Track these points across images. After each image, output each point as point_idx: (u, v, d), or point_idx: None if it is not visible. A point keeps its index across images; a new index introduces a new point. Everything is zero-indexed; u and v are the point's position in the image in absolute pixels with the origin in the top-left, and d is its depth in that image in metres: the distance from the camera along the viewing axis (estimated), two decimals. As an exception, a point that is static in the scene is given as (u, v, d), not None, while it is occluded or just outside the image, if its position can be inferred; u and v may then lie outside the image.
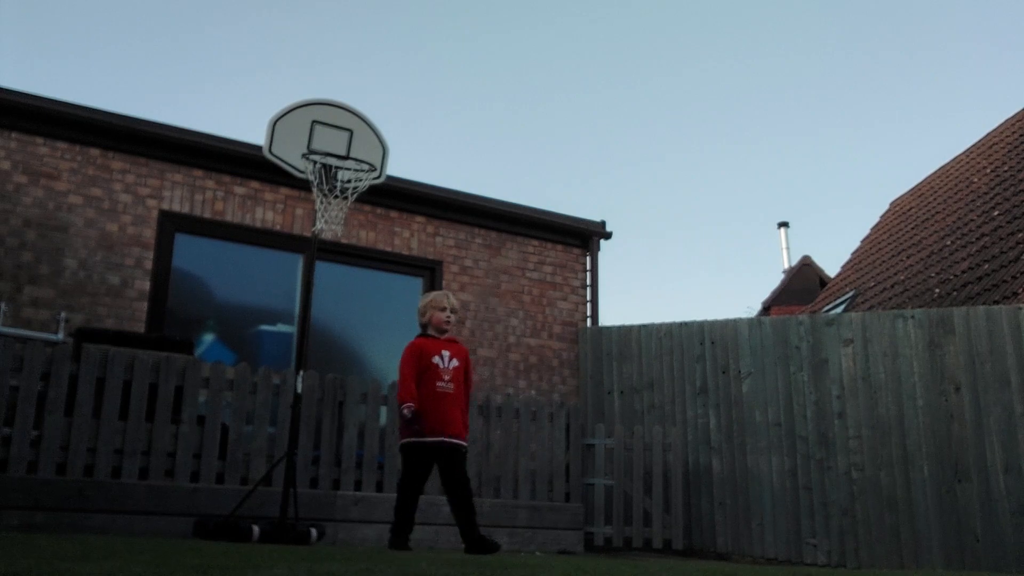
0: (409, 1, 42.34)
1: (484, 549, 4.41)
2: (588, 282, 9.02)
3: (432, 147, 45.55)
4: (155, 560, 2.30)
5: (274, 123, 5.76)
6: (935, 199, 13.06)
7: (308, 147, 5.75)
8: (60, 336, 6.18)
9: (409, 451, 4.65)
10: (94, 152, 6.95)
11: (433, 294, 5.05)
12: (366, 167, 5.89)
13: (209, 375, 5.67)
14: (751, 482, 7.31)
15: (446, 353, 4.77)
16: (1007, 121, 13.04)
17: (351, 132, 5.90)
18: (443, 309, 4.85)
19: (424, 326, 4.90)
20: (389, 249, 8.05)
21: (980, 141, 13.36)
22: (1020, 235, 8.91)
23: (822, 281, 16.51)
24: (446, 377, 4.70)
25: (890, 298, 10.89)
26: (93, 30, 39.71)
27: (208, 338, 7.27)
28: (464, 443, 4.73)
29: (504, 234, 8.67)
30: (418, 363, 4.68)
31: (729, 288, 39.79)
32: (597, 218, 9.12)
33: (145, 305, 6.83)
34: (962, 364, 6.72)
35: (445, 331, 4.87)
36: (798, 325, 7.45)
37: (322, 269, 6.89)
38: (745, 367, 7.59)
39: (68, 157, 6.84)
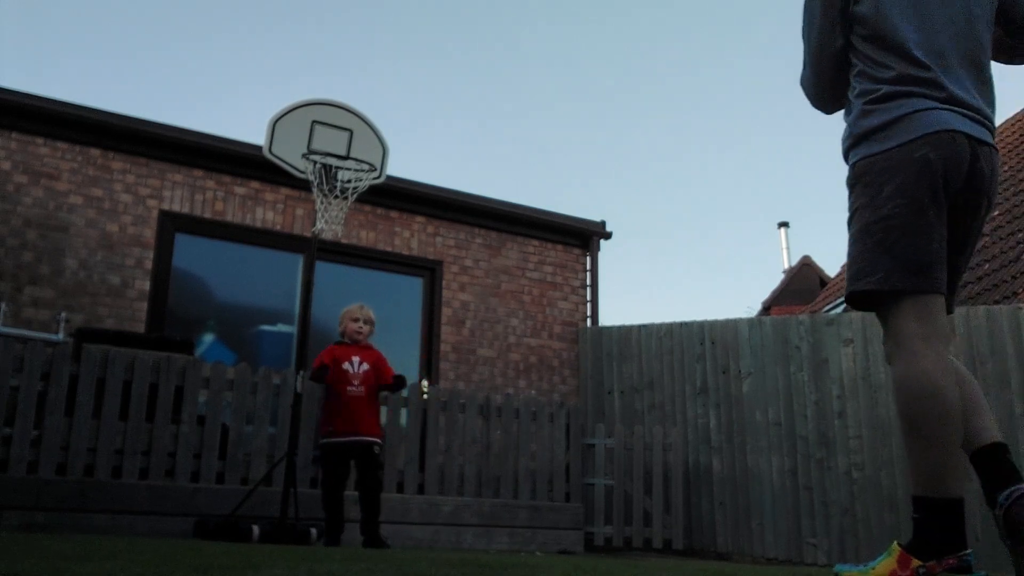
0: (409, 2, 42.34)
1: (377, 547, 4.88)
2: (588, 282, 9.02)
3: (432, 147, 45.55)
4: (156, 560, 2.30)
5: (274, 123, 5.77)
6: (935, 199, 13.03)
7: (308, 147, 5.75)
8: (60, 336, 6.18)
9: (326, 451, 5.14)
10: (94, 152, 6.95)
11: (350, 306, 5.49)
12: (366, 167, 5.89)
13: (209, 375, 5.67)
14: (751, 482, 7.31)
15: (356, 359, 5.27)
16: (1007, 121, 13.04)
17: (351, 132, 5.91)
18: (356, 320, 5.36)
19: (341, 334, 5.41)
20: (389, 249, 8.06)
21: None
22: (1020, 235, 8.91)
23: (822, 281, 16.51)
24: (355, 382, 5.19)
25: (890, 298, 10.87)
26: (94, 30, 39.72)
27: (208, 338, 7.27)
28: (377, 440, 5.25)
29: (504, 234, 8.67)
30: (319, 367, 5.18)
31: (729, 288, 39.82)
32: (597, 218, 9.13)
33: (145, 305, 6.83)
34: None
35: (357, 340, 5.35)
36: (798, 325, 7.45)
37: (322, 269, 6.89)
38: (745, 367, 7.59)
39: (68, 157, 6.84)
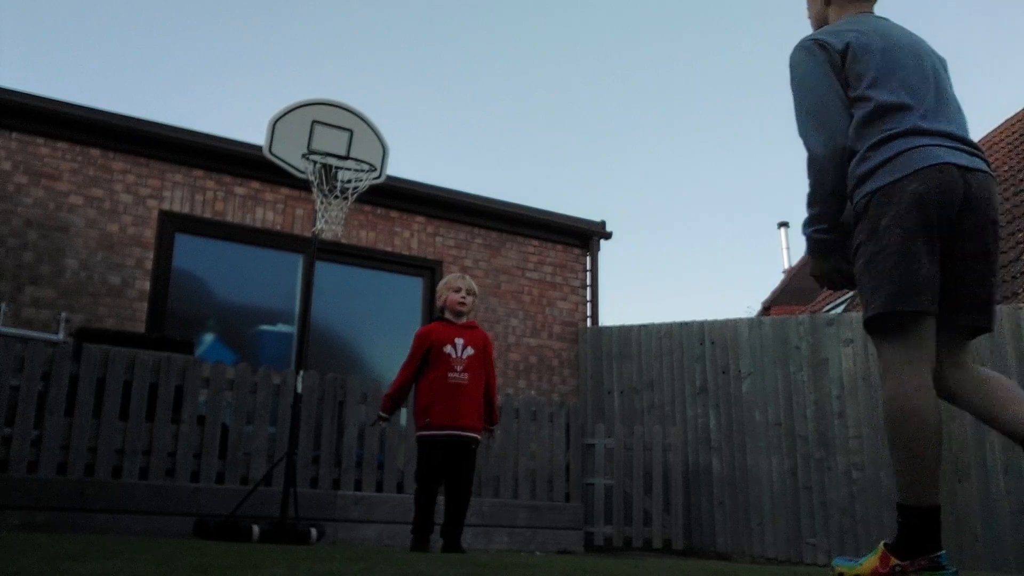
0: (410, 1, 42.35)
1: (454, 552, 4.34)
2: (588, 282, 9.02)
3: (432, 147, 45.55)
4: (156, 560, 2.31)
5: (274, 123, 5.76)
6: (935, 199, 13.02)
7: (308, 147, 5.75)
8: (61, 336, 6.19)
9: (421, 445, 4.50)
10: (95, 152, 6.95)
11: (449, 276, 4.86)
12: (366, 167, 5.89)
13: (209, 375, 5.67)
14: (751, 482, 7.31)
15: (460, 341, 4.51)
16: (1007, 121, 13.04)
17: (351, 132, 5.90)
18: (457, 290, 4.62)
19: (441, 310, 4.71)
20: (389, 249, 8.06)
21: (980, 141, 13.36)
22: (1020, 235, 8.91)
23: (822, 281, 16.49)
24: (459, 368, 4.45)
25: (890, 298, 10.87)
26: (93, 30, 39.72)
27: (208, 338, 7.28)
28: (478, 435, 4.50)
29: (504, 234, 8.68)
30: (422, 354, 4.52)
31: (729, 288, 39.85)
32: (597, 218, 9.13)
33: (145, 305, 6.84)
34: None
35: (461, 313, 4.61)
36: (798, 325, 7.45)
37: (322, 269, 6.90)
38: (745, 367, 7.59)
39: (69, 157, 6.85)
